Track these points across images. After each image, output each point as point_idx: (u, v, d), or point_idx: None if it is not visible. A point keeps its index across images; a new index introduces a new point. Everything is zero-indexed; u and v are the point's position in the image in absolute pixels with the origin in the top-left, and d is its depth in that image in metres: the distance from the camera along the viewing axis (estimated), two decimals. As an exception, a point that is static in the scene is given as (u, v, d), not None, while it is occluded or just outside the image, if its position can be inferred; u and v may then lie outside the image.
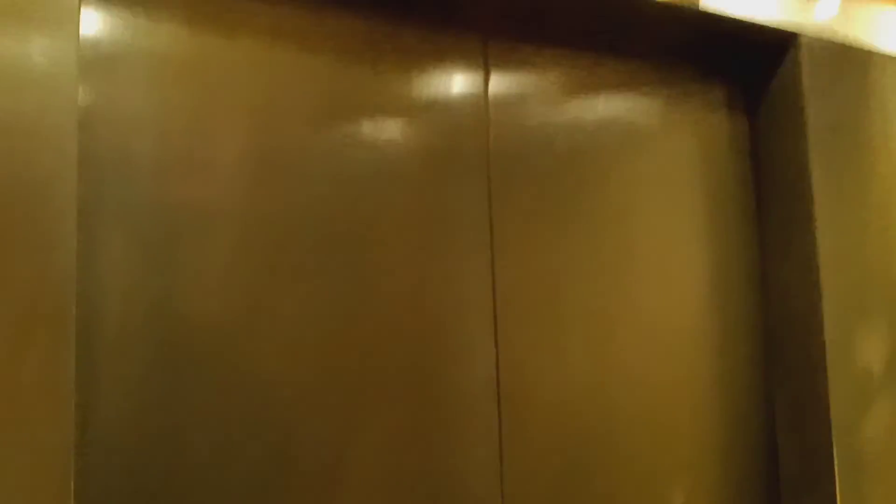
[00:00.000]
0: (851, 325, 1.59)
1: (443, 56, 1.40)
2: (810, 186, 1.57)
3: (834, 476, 1.51)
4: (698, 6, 1.49)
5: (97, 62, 1.10)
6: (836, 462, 1.51)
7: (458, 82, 1.41)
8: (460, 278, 1.36)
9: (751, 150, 1.71)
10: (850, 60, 1.69)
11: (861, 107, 1.69)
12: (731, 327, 1.64)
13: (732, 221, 1.68)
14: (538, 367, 1.41)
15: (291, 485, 1.17)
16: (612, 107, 1.57)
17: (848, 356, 1.57)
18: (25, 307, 0.91)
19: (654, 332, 1.54)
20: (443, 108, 1.38)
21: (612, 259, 1.52)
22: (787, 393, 1.63)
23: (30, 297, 0.91)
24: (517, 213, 1.42)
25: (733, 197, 1.69)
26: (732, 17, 1.53)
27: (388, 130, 1.32)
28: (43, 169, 0.94)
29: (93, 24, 1.10)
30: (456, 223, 1.37)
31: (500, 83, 1.44)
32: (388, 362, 1.28)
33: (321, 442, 1.20)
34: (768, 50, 1.65)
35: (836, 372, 1.54)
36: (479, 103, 1.42)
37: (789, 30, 1.61)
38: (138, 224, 1.10)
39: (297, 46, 1.26)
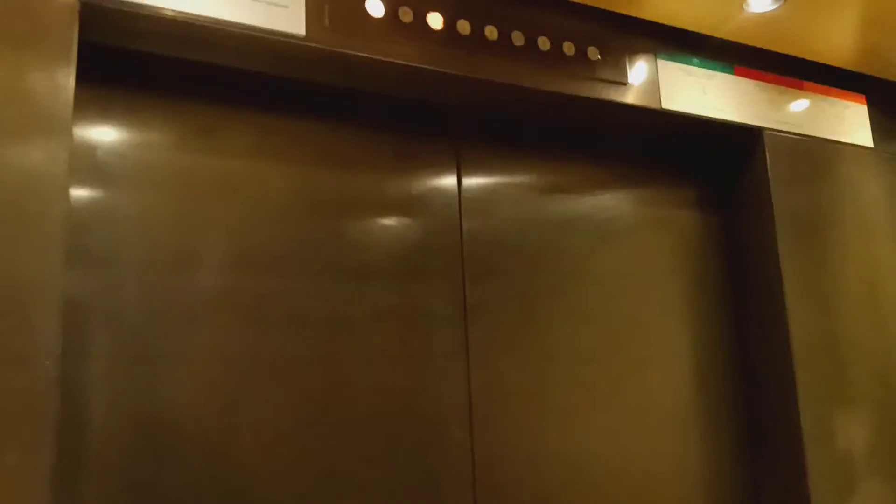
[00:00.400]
0: (829, 411, 1.59)
1: (417, 161, 1.46)
2: (780, 277, 1.61)
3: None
4: (660, 106, 1.55)
5: (88, 171, 1.16)
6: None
7: (432, 186, 1.46)
8: (435, 373, 1.38)
9: (725, 243, 1.76)
10: (816, 153, 1.74)
11: (829, 199, 1.74)
12: (713, 420, 1.65)
13: (710, 313, 1.71)
14: (515, 459, 1.42)
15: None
16: (584, 206, 1.62)
17: (827, 442, 1.57)
18: (4, 407, 0.92)
19: (634, 427, 1.55)
20: (418, 212, 1.43)
21: (589, 352, 1.54)
22: (771, 481, 1.62)
23: (10, 398, 0.93)
24: (492, 309, 1.46)
25: (710, 289, 1.72)
26: (695, 115, 1.58)
27: (364, 233, 1.38)
28: (29, 272, 0.97)
29: (85, 133, 1.17)
30: (431, 320, 1.40)
31: (473, 186, 1.50)
32: (364, 453, 1.29)
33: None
34: (735, 146, 1.72)
35: (815, 458, 1.54)
36: (453, 206, 1.47)
37: (754, 125, 1.66)
38: (122, 325, 1.15)
39: (279, 153, 1.33)
